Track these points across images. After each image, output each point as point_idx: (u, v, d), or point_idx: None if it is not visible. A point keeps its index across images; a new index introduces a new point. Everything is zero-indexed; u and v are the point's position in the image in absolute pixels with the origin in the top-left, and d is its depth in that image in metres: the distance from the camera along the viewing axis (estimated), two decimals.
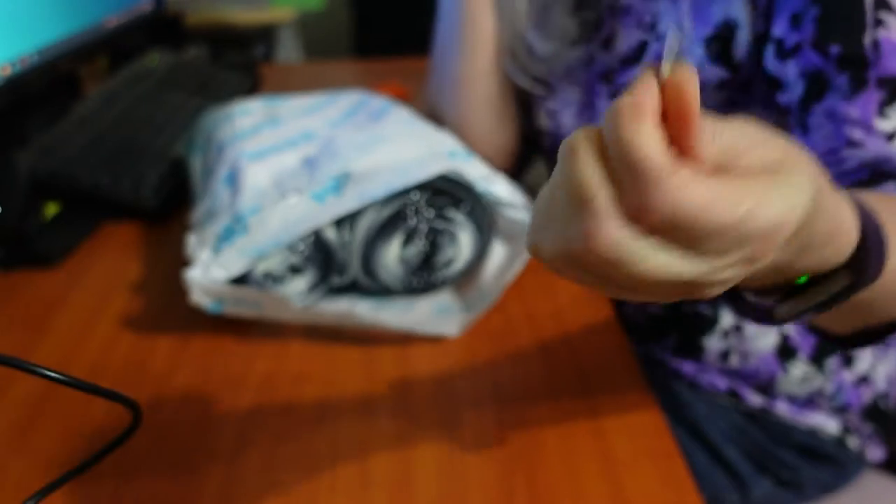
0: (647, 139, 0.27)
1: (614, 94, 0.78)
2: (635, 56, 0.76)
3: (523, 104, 0.89)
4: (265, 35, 2.32)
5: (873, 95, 0.60)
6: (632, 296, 0.31)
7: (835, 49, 0.61)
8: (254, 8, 2.24)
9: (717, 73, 0.68)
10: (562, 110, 0.83)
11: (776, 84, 0.66)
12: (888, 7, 0.61)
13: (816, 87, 0.62)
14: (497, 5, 0.82)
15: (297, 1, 2.37)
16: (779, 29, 0.65)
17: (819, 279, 0.40)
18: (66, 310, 0.71)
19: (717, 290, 0.31)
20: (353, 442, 0.56)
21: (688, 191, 0.27)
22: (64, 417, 0.58)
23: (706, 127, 0.29)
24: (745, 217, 0.28)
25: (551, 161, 0.88)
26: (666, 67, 0.28)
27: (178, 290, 0.65)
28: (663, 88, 0.28)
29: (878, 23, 0.60)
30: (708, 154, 0.29)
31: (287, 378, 0.62)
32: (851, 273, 0.40)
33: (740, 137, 0.30)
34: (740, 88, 0.69)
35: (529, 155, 0.94)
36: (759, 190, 0.28)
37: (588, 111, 0.81)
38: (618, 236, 0.28)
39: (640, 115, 0.27)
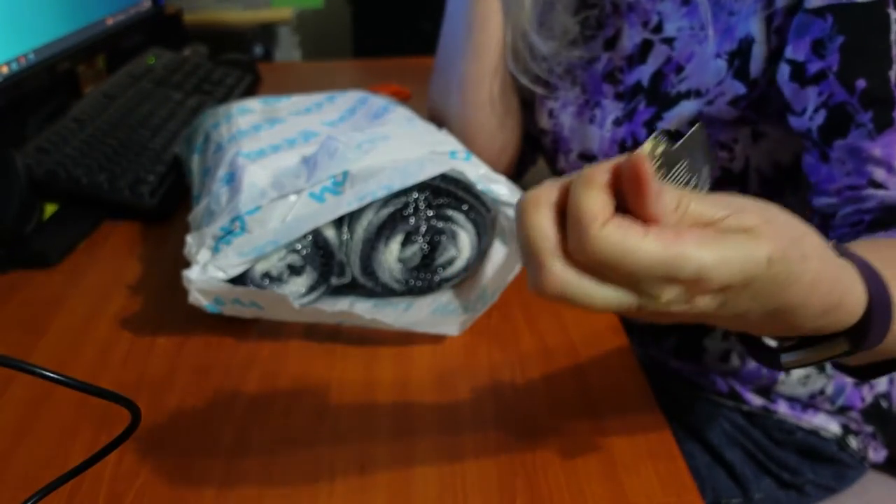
0: (591, 199, 0.33)
1: (620, 93, 0.78)
2: (640, 55, 0.76)
3: (525, 104, 0.89)
4: (264, 34, 2.32)
5: None
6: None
7: (861, 84, 0.61)
8: (253, 7, 2.24)
9: (735, 88, 0.68)
10: (562, 110, 0.83)
11: (788, 107, 0.66)
12: None
13: (840, 121, 0.62)
14: (503, 5, 0.82)
15: (296, 0, 2.37)
16: (798, 52, 0.64)
17: (821, 339, 0.44)
18: (65, 310, 0.71)
19: (667, 319, 0.37)
20: (353, 442, 0.56)
21: (612, 236, 0.33)
22: (63, 418, 0.58)
23: (668, 197, 0.34)
24: (669, 262, 0.33)
25: (552, 160, 0.88)
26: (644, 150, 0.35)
27: (176, 290, 0.65)
28: (623, 169, 0.34)
29: None
30: (669, 218, 0.34)
31: (286, 378, 0.62)
32: (850, 342, 0.43)
33: (717, 206, 0.35)
34: (753, 106, 0.69)
35: (531, 155, 0.94)
36: (698, 242, 0.33)
37: (588, 110, 0.81)
38: (562, 277, 0.34)
39: (590, 182, 0.34)
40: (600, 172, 0.34)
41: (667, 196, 0.34)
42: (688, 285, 0.34)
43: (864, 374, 0.53)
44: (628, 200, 0.34)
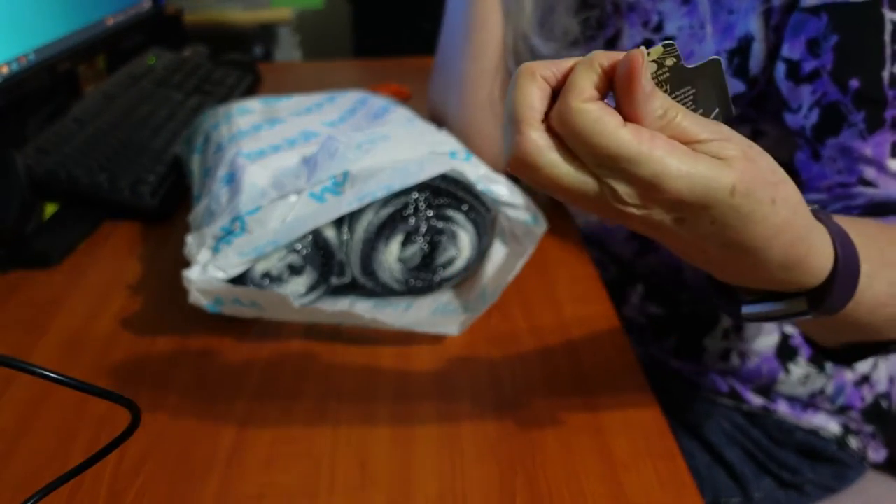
0: (584, 75, 0.35)
1: None
2: None
3: None
4: (264, 34, 2.32)
5: (887, 136, 0.61)
6: (565, 201, 0.38)
7: (854, 84, 0.61)
8: (253, 7, 2.24)
9: (735, 86, 0.68)
10: None
11: (785, 104, 0.66)
12: None
13: (832, 120, 0.63)
14: (503, 6, 0.82)
15: (297, 0, 2.37)
16: (794, 51, 0.64)
17: (783, 295, 0.44)
18: (65, 310, 0.71)
19: (628, 223, 0.37)
20: (353, 442, 0.56)
21: (592, 113, 0.34)
22: (63, 418, 0.58)
23: (657, 102, 0.34)
24: (634, 156, 0.34)
25: None
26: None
27: (177, 290, 0.65)
28: (621, 61, 0.34)
29: None
30: (653, 124, 0.35)
31: (286, 378, 0.62)
32: (808, 302, 0.43)
33: (704, 128, 0.35)
34: (753, 104, 0.69)
35: None
36: (668, 150, 0.34)
37: None
38: (535, 143, 0.35)
39: (589, 62, 0.35)
40: (603, 57, 0.35)
41: (656, 101, 0.34)
42: (644, 188, 0.35)
43: (846, 358, 0.54)
44: (618, 95, 0.35)
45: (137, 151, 0.91)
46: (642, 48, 0.34)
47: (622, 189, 0.35)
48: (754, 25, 0.67)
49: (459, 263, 0.69)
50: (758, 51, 0.67)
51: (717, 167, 0.35)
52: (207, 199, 0.69)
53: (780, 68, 0.66)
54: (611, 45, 0.79)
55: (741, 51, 0.68)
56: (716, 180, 0.35)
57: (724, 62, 0.68)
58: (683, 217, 0.37)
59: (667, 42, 0.35)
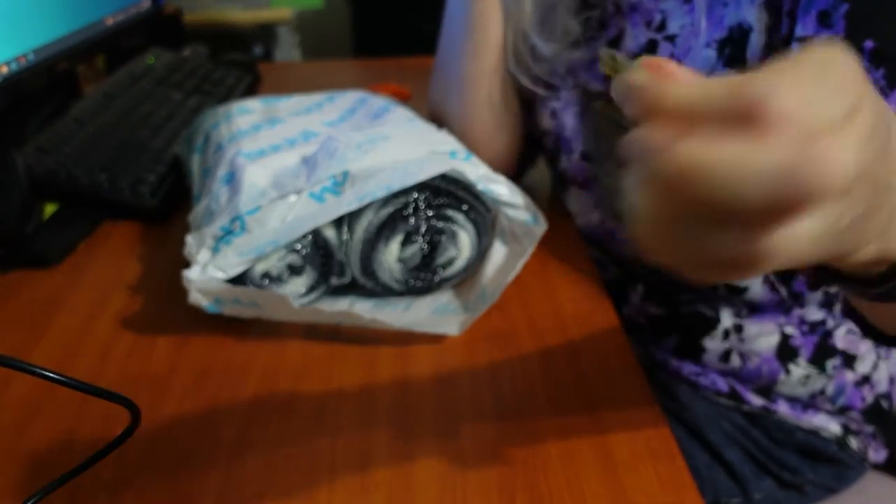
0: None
1: None
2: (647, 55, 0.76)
3: (527, 104, 0.89)
4: (264, 34, 2.33)
5: None
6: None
7: (869, 44, 0.61)
8: (253, 7, 2.24)
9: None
10: (564, 110, 0.83)
11: None
12: None
13: None
14: (503, 6, 0.82)
15: (297, 0, 2.37)
16: (806, 27, 0.64)
17: None
18: (65, 310, 0.71)
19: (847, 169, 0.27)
20: (353, 442, 0.56)
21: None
22: (63, 418, 0.58)
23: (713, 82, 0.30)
24: (774, 85, 0.27)
25: (553, 161, 0.88)
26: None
27: (176, 290, 0.65)
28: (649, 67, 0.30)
29: None
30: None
31: (286, 378, 0.62)
32: None
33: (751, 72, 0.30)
34: None
35: (531, 155, 0.94)
36: (777, 74, 0.28)
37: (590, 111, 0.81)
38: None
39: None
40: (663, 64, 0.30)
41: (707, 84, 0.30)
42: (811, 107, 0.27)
43: None
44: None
45: (137, 151, 0.91)
46: (637, 61, 0.31)
47: (812, 113, 0.27)
48: (750, 14, 0.66)
49: (459, 263, 0.69)
50: (755, 41, 0.67)
51: (826, 52, 0.29)
52: (207, 199, 0.69)
53: (795, 50, 0.65)
54: (612, 45, 0.79)
55: (731, 40, 0.67)
56: (842, 54, 0.29)
57: (713, 53, 0.68)
58: (868, 131, 0.29)
59: (608, 52, 0.33)
